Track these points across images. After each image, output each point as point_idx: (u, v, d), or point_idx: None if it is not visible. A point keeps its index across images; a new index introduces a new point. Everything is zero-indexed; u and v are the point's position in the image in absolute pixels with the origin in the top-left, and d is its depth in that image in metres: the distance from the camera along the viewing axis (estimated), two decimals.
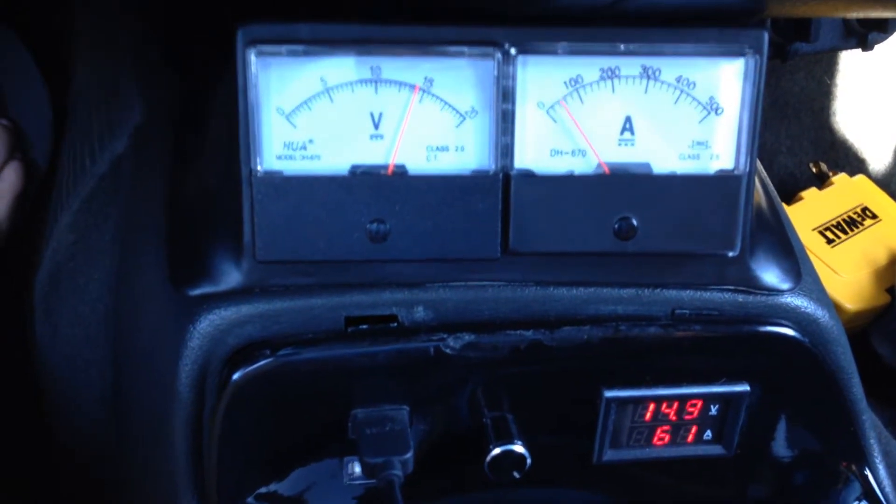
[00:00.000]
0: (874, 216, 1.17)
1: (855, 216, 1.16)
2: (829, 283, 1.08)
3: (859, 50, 0.76)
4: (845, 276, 1.10)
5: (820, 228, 1.14)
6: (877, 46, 0.75)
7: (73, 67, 0.73)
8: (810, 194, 1.19)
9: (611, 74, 0.53)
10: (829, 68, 1.31)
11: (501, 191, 0.54)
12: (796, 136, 1.32)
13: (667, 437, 0.59)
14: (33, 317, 0.68)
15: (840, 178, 1.22)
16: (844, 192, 1.20)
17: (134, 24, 0.73)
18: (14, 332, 0.71)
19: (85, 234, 0.67)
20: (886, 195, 1.20)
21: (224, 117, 0.57)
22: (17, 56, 0.75)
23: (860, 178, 1.23)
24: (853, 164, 1.34)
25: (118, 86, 0.70)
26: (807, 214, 1.15)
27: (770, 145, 1.30)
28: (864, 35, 0.73)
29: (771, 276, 0.59)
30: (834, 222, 1.15)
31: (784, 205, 1.15)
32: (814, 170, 1.25)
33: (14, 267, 0.71)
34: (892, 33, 0.74)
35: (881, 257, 1.13)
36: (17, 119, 0.74)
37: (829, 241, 1.13)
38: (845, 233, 1.14)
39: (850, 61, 1.31)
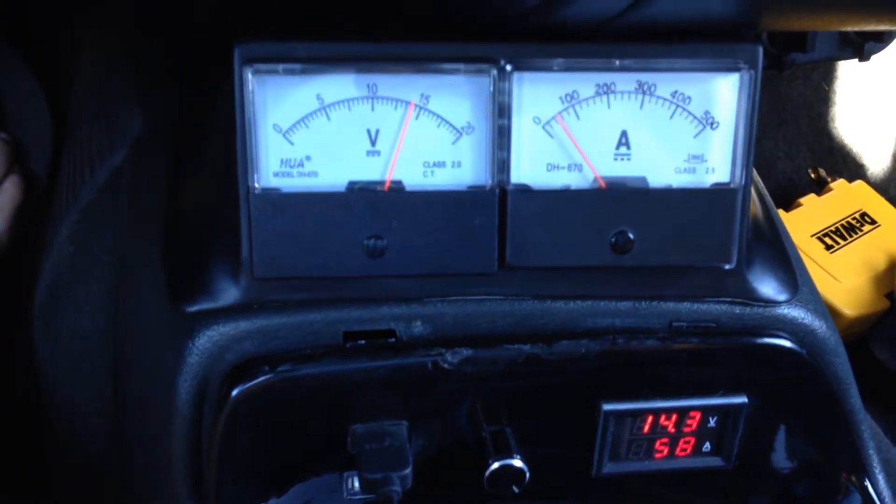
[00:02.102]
0: (873, 222, 1.17)
1: (854, 222, 1.17)
2: (828, 289, 1.08)
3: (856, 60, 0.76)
4: (844, 282, 1.10)
5: (819, 234, 1.14)
6: (873, 56, 0.75)
7: (73, 80, 0.73)
8: (809, 200, 1.19)
9: (606, 90, 0.53)
10: (827, 74, 1.31)
11: (498, 206, 0.54)
12: (794, 142, 1.32)
13: (665, 450, 0.59)
14: (33, 329, 0.69)
15: (839, 184, 1.22)
16: (843, 197, 1.20)
17: (133, 37, 0.73)
18: (14, 343, 0.71)
19: (84, 246, 0.67)
20: (885, 200, 1.21)
21: (222, 133, 0.57)
22: (16, 69, 0.75)
23: (859, 183, 1.23)
24: (852, 169, 1.34)
25: (117, 99, 0.70)
26: (806, 220, 1.16)
27: (768, 151, 1.30)
28: (861, 45, 0.73)
29: (768, 287, 0.59)
30: (833, 228, 1.15)
31: (783, 211, 1.16)
32: (812, 176, 1.25)
33: (14, 279, 0.71)
34: (888, 43, 0.74)
35: (880, 263, 1.13)
36: (17, 132, 0.74)
37: (829, 247, 1.13)
38: (844, 238, 1.15)
39: (847, 67, 1.31)
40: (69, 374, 0.68)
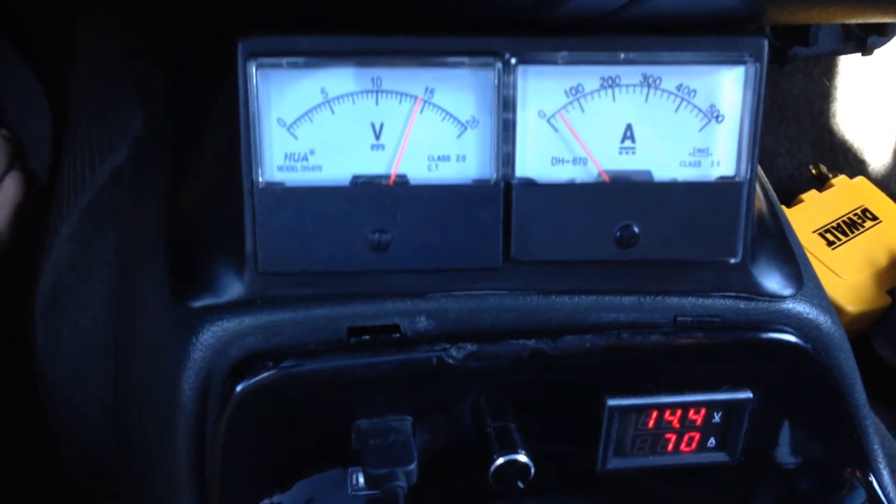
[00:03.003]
0: (874, 218, 1.17)
1: (855, 218, 1.17)
2: (829, 286, 1.08)
3: (858, 54, 0.76)
4: (846, 279, 1.10)
5: (820, 230, 1.14)
6: (875, 50, 0.75)
7: (73, 78, 0.73)
8: (810, 196, 1.19)
9: (611, 83, 0.53)
10: (828, 70, 1.31)
11: (503, 200, 0.54)
12: (796, 138, 1.32)
13: (670, 445, 0.59)
14: (34, 327, 0.68)
15: (840, 180, 1.22)
16: (844, 193, 1.20)
17: (133, 34, 0.73)
18: (15, 342, 0.71)
19: (85, 245, 0.67)
20: (886, 196, 1.21)
21: (224, 128, 0.57)
22: (16, 67, 0.75)
23: (860, 179, 1.23)
24: (853, 165, 1.34)
25: (118, 96, 0.70)
26: (807, 217, 1.16)
27: (770, 147, 1.30)
28: (864, 39, 0.73)
29: (772, 282, 0.59)
30: (834, 224, 1.15)
31: (784, 207, 1.16)
32: (814, 172, 1.25)
33: (15, 278, 0.71)
34: (891, 37, 0.74)
35: (882, 259, 1.13)
36: (17, 130, 0.74)
37: (830, 244, 1.13)
38: (846, 235, 1.14)
39: (848, 63, 1.31)
40: (70, 373, 0.68)
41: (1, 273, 0.72)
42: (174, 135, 0.66)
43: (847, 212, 1.17)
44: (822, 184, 1.23)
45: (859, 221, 1.16)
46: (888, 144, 1.35)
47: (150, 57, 0.72)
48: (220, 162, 0.58)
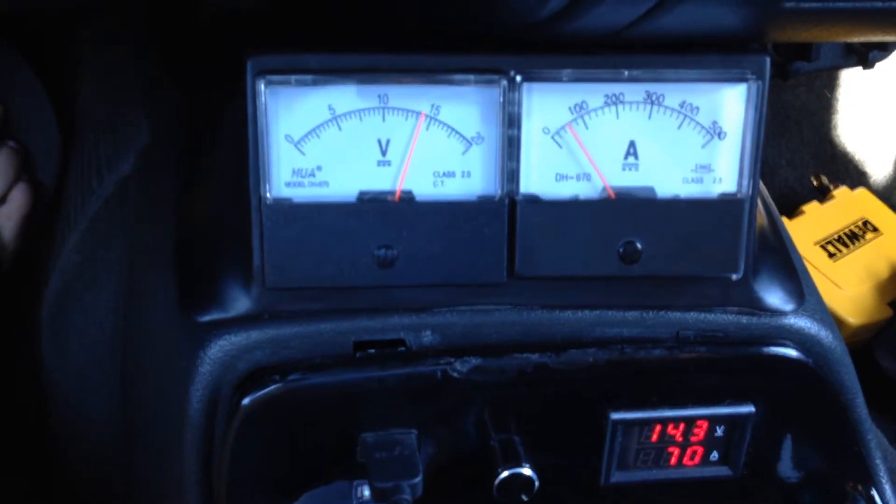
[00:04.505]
0: (875, 229, 1.17)
1: (856, 230, 1.17)
2: (831, 298, 1.09)
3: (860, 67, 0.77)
4: (847, 291, 1.10)
5: (822, 242, 1.15)
6: (876, 64, 0.76)
7: (81, 89, 0.74)
8: (811, 208, 1.20)
9: (615, 100, 0.54)
10: (830, 82, 1.31)
11: (507, 216, 0.55)
12: (797, 150, 1.32)
13: (673, 459, 0.59)
14: (41, 336, 0.69)
15: (841, 192, 1.22)
16: (846, 205, 1.20)
17: (140, 46, 0.74)
18: (22, 351, 0.71)
19: (92, 255, 0.68)
20: (888, 208, 1.21)
21: (231, 142, 0.58)
22: (24, 77, 0.76)
23: (861, 191, 1.23)
24: (854, 177, 1.34)
25: (125, 107, 0.71)
26: (808, 228, 1.16)
27: (771, 159, 1.31)
28: (865, 54, 0.74)
29: (774, 297, 0.59)
30: (835, 236, 1.16)
31: (785, 219, 1.16)
32: (815, 183, 1.25)
33: (22, 288, 0.72)
34: (892, 52, 0.75)
35: (883, 271, 1.13)
36: (25, 140, 0.74)
37: (831, 255, 1.13)
38: (847, 246, 1.15)
39: (849, 75, 1.31)
40: (77, 383, 0.68)
41: (8, 283, 0.72)
42: (181, 146, 0.67)
43: (848, 223, 1.17)
44: (823, 195, 1.23)
45: (860, 233, 1.17)
46: (889, 156, 1.35)
47: (157, 67, 0.72)
48: (228, 175, 0.59)
